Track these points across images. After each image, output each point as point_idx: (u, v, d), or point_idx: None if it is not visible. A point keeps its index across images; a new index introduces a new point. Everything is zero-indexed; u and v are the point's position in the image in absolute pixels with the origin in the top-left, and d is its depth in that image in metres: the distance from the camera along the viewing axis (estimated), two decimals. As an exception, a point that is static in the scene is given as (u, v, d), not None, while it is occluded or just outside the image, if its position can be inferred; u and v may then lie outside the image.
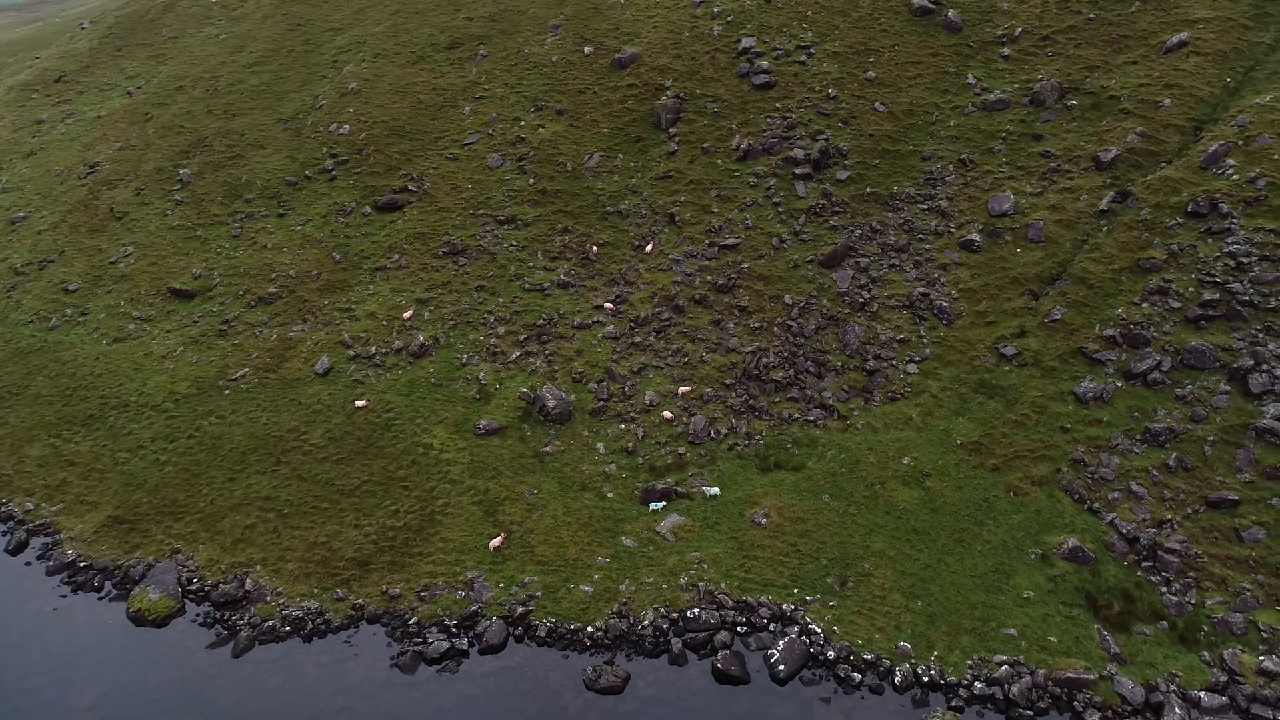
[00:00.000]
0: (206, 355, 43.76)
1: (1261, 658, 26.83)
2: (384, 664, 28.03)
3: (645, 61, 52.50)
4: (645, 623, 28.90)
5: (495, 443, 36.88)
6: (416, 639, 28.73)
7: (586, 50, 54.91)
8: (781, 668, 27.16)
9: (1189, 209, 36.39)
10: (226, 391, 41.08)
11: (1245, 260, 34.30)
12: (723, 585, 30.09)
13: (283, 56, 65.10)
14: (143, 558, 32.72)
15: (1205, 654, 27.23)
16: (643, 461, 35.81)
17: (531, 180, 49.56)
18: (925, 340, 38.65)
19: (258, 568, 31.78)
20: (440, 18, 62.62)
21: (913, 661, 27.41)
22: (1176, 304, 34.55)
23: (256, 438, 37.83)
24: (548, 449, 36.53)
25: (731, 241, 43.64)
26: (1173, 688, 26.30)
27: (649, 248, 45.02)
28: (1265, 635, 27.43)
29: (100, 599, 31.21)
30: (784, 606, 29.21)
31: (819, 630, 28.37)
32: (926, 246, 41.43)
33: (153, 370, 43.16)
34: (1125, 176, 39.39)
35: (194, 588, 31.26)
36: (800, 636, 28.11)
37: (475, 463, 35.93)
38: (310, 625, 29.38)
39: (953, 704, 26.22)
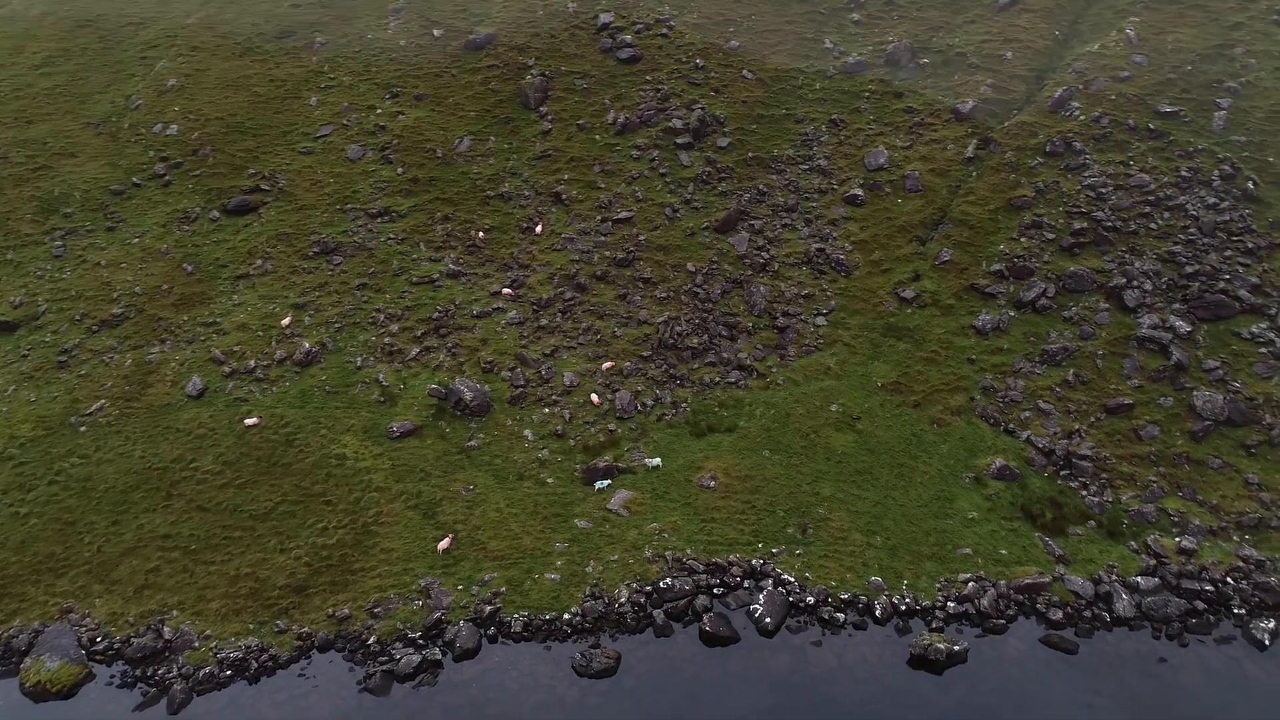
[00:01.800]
0: (47, 391, 38.14)
1: (1178, 539, 29.73)
2: (351, 691, 25.50)
3: (502, 41, 50.85)
4: (622, 600, 27.99)
5: (414, 444, 34.51)
6: (381, 658, 26.35)
7: (436, 33, 52.49)
8: (768, 620, 27.14)
9: (1046, 149, 39.65)
10: (83, 428, 35.99)
11: (1103, 191, 37.81)
12: (689, 551, 29.67)
13: (76, 55, 57.86)
14: (25, 625, 28.00)
15: (1132, 543, 29.83)
16: (575, 443, 34.72)
17: (400, 170, 46.83)
18: (829, 293, 39.91)
19: (174, 613, 28.00)
20: (262, 6, 57.84)
21: (887, 593, 28.21)
22: (1051, 235, 37.56)
23: (135, 473, 33.38)
24: (472, 443, 34.63)
25: (624, 215, 43.17)
26: (1114, 577, 28.61)
27: (539, 229, 43.71)
28: (1175, 519, 30.39)
29: (-21, 681, 26.46)
30: (754, 562, 29.19)
31: (792, 579, 28.57)
32: (813, 204, 42.77)
33: (-19, 415, 37.17)
34: (984, 125, 42.36)
35: (100, 648, 27.11)
36: (777, 588, 28.21)
37: (398, 467, 33.46)
38: (255, 664, 26.23)
39: (933, 626, 27.22)
